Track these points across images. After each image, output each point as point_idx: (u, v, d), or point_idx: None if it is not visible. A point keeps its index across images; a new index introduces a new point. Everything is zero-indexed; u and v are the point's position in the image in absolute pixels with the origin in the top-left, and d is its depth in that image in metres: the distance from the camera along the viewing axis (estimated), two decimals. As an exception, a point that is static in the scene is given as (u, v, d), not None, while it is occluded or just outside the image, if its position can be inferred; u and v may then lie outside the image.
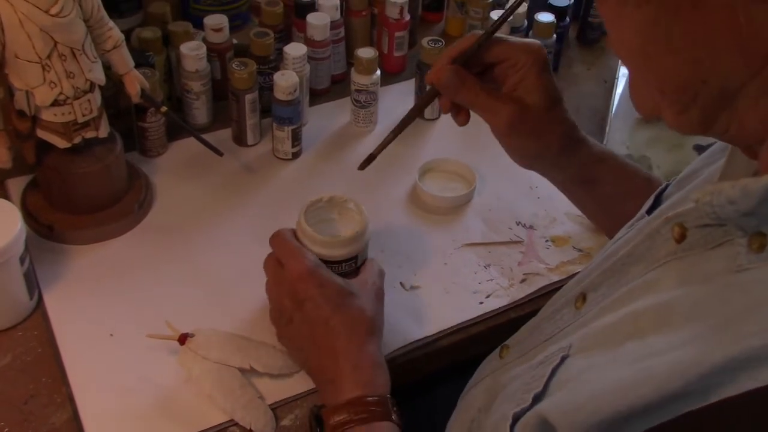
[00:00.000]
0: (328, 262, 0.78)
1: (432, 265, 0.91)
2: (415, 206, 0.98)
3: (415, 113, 0.80)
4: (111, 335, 0.80)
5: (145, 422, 0.73)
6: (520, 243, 0.94)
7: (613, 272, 0.56)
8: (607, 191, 0.80)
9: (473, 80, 0.73)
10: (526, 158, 0.79)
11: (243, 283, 0.87)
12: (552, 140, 0.75)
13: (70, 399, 0.74)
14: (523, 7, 1.16)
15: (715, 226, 0.46)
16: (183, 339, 0.77)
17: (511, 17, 1.13)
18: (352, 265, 0.80)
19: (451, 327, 0.84)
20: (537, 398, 0.50)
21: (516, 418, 0.50)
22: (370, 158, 0.82)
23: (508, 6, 0.78)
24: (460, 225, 0.96)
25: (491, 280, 0.89)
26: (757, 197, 0.41)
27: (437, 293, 0.88)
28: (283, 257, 0.76)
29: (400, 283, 0.88)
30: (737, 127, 0.45)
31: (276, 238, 0.78)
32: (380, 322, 0.76)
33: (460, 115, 0.78)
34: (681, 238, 0.48)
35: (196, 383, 0.75)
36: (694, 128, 0.46)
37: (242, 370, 0.76)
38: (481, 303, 0.87)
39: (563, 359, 0.51)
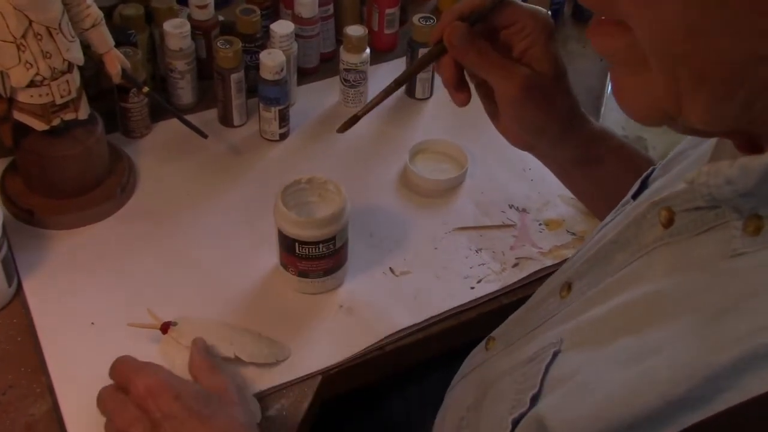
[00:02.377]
0: (306, 243, 0.77)
1: (422, 250, 0.89)
2: (405, 189, 0.96)
3: (415, 72, 0.70)
4: (92, 324, 0.78)
5: (127, 413, 0.71)
6: (512, 226, 0.92)
7: (597, 260, 0.54)
8: (609, 172, 0.75)
9: (484, 43, 0.66)
10: (530, 133, 0.72)
11: (228, 267, 0.85)
12: (557, 115, 0.70)
13: (50, 389, 0.72)
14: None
15: (706, 210, 0.43)
16: (165, 328, 0.75)
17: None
18: (330, 247, 0.78)
19: (442, 313, 0.82)
20: (534, 399, 0.48)
21: (515, 423, 0.48)
22: (354, 119, 0.72)
23: None
24: (451, 208, 0.94)
25: (483, 264, 0.87)
26: (756, 176, 0.39)
27: (428, 279, 0.86)
28: (126, 378, 0.66)
29: (390, 268, 0.86)
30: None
31: (116, 363, 0.68)
32: (254, 426, 0.67)
33: (462, 93, 0.69)
34: (668, 222, 0.46)
35: (179, 374, 0.73)
36: (728, 120, 0.40)
37: (226, 360, 0.74)
38: (473, 288, 0.85)
39: (555, 355, 0.49)
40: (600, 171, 0.76)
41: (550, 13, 1.10)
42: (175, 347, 0.74)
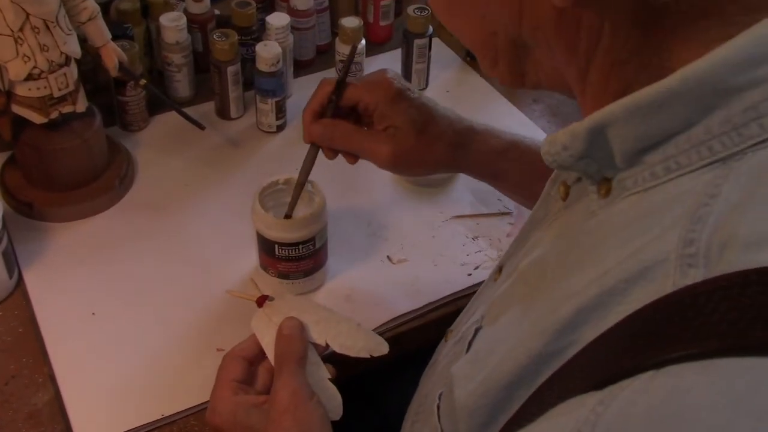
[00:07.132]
0: (285, 245, 0.77)
1: (420, 238, 0.89)
2: (402, 179, 0.96)
3: (304, 177, 0.77)
4: (93, 314, 0.79)
5: (127, 401, 0.72)
6: (508, 214, 0.93)
7: (519, 240, 0.58)
8: (515, 181, 0.79)
9: (345, 127, 0.74)
10: (421, 175, 0.79)
11: (226, 258, 0.85)
12: (437, 158, 0.75)
13: (52, 379, 0.73)
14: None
15: (585, 180, 0.46)
16: (261, 301, 0.72)
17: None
18: (309, 248, 0.78)
19: (440, 299, 0.83)
20: None
21: (441, 396, 0.51)
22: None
23: (347, 57, 0.80)
24: (448, 197, 0.95)
25: (480, 251, 0.88)
26: (583, 138, 0.41)
27: (425, 266, 0.86)
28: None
29: (388, 256, 0.87)
30: (546, 77, 0.46)
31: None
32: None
33: (348, 157, 0.77)
34: (566, 196, 0.49)
35: (266, 351, 0.68)
36: (508, 80, 0.49)
37: (316, 345, 0.69)
38: (470, 275, 0.86)
39: (477, 331, 0.52)
40: (507, 182, 0.80)
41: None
42: (266, 324, 0.69)
